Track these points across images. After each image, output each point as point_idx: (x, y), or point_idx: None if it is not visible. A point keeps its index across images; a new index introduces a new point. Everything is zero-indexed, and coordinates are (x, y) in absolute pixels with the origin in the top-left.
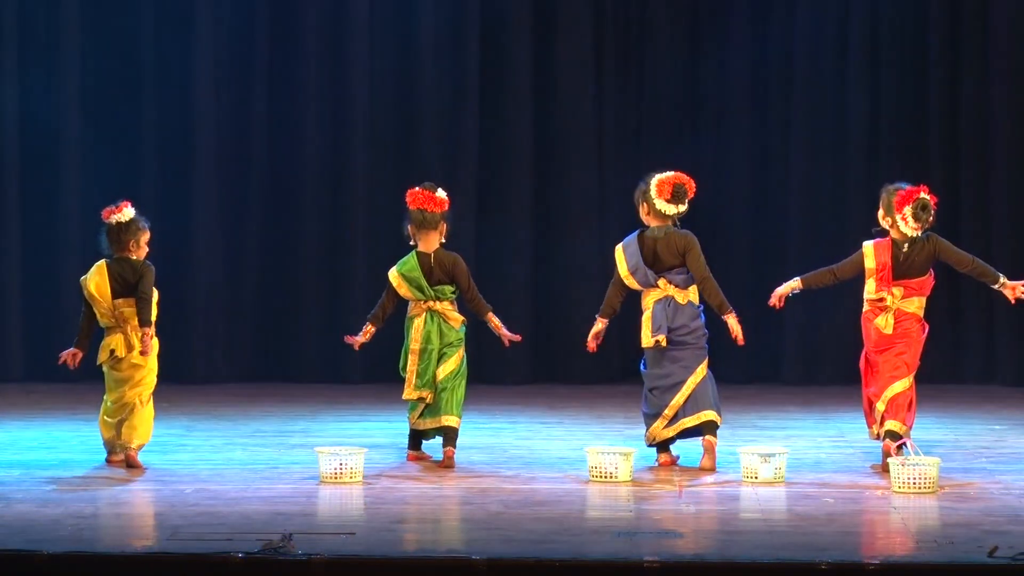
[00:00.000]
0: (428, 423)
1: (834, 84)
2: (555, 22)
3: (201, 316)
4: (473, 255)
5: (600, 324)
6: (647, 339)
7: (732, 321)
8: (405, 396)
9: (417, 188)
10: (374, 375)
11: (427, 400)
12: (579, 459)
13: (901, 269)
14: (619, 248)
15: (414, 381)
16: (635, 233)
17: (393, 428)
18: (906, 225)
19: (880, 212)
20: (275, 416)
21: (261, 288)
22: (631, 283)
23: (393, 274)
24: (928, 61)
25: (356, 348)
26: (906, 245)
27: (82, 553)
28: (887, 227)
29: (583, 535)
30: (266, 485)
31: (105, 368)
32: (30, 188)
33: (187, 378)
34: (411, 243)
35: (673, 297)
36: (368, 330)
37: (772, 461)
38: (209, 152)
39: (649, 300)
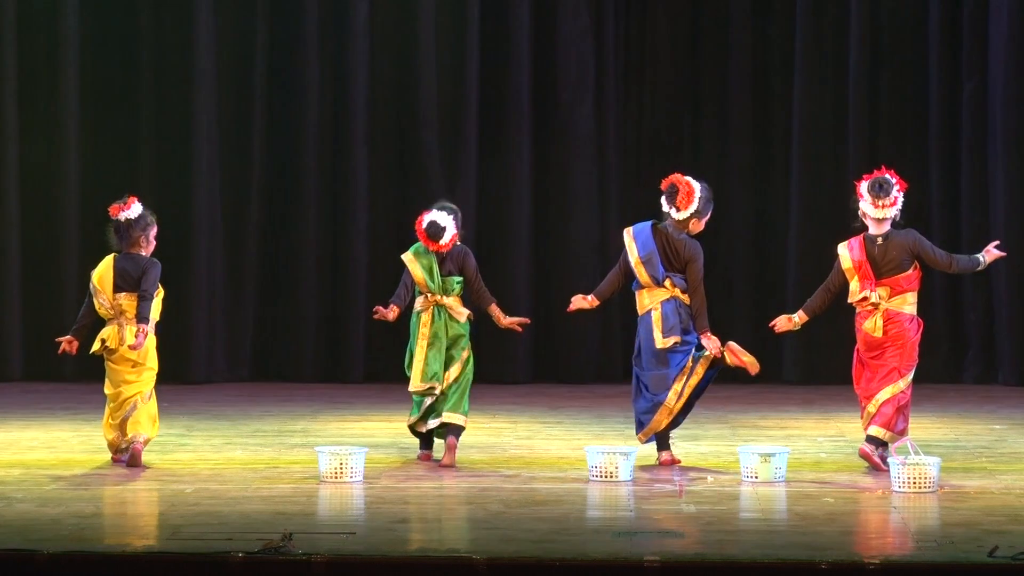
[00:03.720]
0: (431, 423)
1: (834, 87)
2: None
3: (201, 316)
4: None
5: (592, 297)
6: (659, 341)
7: (705, 339)
8: (412, 388)
9: (424, 224)
10: (374, 375)
11: (435, 391)
12: (579, 459)
13: (879, 265)
14: (628, 232)
15: (423, 372)
16: (649, 222)
17: (393, 428)
18: (864, 203)
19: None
20: (275, 416)
21: (261, 288)
22: (639, 271)
23: (408, 256)
24: (928, 64)
25: (376, 315)
26: (879, 239)
27: (82, 553)
28: (863, 218)
29: (583, 535)
30: (266, 485)
31: (106, 361)
32: (30, 189)
33: (187, 378)
34: None
35: (680, 299)
36: (394, 309)
37: (772, 461)
38: (210, 152)
39: (655, 300)
